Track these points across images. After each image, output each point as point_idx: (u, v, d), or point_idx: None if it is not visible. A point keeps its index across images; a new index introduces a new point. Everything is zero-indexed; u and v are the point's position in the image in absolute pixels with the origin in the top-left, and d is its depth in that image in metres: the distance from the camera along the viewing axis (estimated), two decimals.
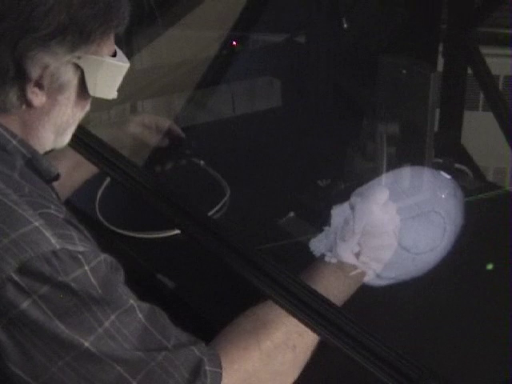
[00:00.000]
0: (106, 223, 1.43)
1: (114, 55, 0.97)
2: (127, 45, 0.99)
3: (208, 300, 1.23)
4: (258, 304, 1.02)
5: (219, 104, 2.12)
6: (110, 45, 0.96)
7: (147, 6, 0.94)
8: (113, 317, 0.85)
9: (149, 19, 0.95)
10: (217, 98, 2.12)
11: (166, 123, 1.49)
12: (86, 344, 0.83)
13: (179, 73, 2.15)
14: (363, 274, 1.09)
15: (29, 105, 0.92)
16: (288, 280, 0.97)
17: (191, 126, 2.01)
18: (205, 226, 1.05)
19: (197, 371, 0.88)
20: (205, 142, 1.79)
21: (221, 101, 2.12)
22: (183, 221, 1.08)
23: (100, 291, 0.84)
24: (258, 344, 0.96)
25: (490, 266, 1.27)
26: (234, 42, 2.10)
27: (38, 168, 0.96)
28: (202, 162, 1.64)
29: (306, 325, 0.95)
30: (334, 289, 1.06)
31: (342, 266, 1.08)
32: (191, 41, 2.18)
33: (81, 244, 0.85)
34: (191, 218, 1.06)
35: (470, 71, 1.84)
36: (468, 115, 1.98)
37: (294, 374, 1.00)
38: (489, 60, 1.80)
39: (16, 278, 0.81)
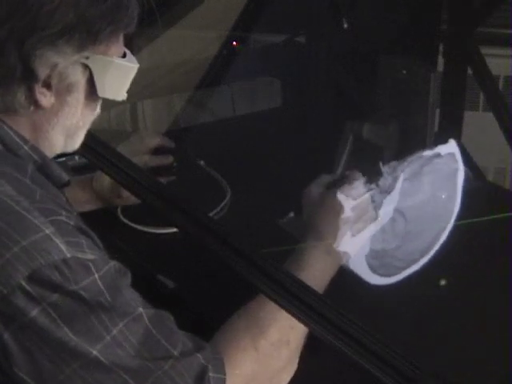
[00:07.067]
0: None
1: (124, 56, 0.97)
2: (127, 45, 0.99)
3: (208, 300, 1.23)
4: (249, 302, 1.02)
5: (219, 104, 2.12)
6: (119, 46, 0.96)
7: (147, 5, 0.94)
8: (121, 324, 0.84)
9: (149, 19, 0.95)
10: (217, 98, 2.11)
11: (156, 138, 1.55)
12: (94, 352, 0.83)
13: (179, 73, 2.15)
14: (347, 256, 1.12)
15: (37, 106, 0.91)
16: (290, 281, 0.97)
17: (191, 126, 2.01)
18: (206, 226, 1.05)
19: (201, 378, 0.88)
20: (205, 142, 1.80)
21: (221, 101, 2.12)
22: (184, 221, 1.08)
23: (109, 299, 0.84)
24: (254, 344, 0.96)
25: (443, 282, 1.26)
26: (234, 42, 2.10)
27: (49, 174, 0.95)
28: (202, 163, 1.64)
29: (307, 326, 0.95)
30: (321, 276, 1.08)
31: (328, 251, 1.10)
32: (191, 41, 2.18)
33: (90, 252, 0.85)
34: (192, 218, 1.06)
35: (470, 71, 1.84)
36: (468, 115, 1.97)
37: (290, 369, 1.01)
38: (489, 60, 1.80)
39: (26, 285, 0.81)
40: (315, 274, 1.08)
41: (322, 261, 1.10)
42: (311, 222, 1.15)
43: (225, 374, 0.91)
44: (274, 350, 0.98)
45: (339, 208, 1.13)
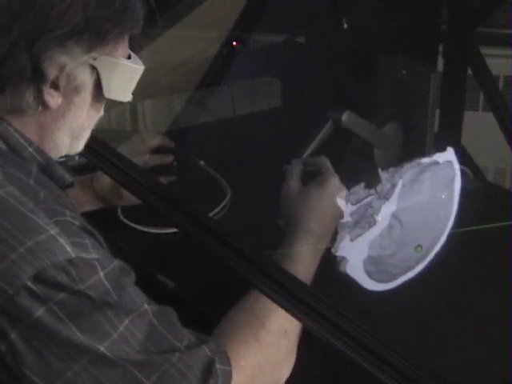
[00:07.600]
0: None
1: (129, 58, 0.98)
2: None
3: (208, 300, 1.23)
4: (244, 296, 1.03)
5: (219, 104, 2.12)
6: (125, 47, 0.97)
7: (147, 5, 0.95)
8: (127, 321, 0.85)
9: (149, 19, 0.95)
10: (217, 98, 2.12)
11: (157, 138, 1.55)
12: (102, 349, 0.83)
13: (179, 73, 2.15)
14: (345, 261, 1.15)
15: (45, 106, 0.92)
16: (290, 281, 0.97)
17: (191, 126, 2.01)
18: (206, 226, 1.05)
19: (209, 370, 0.89)
20: (205, 142, 1.80)
21: (221, 101, 2.12)
22: (184, 221, 1.08)
23: (115, 297, 0.85)
24: (256, 336, 0.97)
25: (419, 249, 1.24)
26: (234, 42, 2.10)
27: (52, 175, 0.96)
28: (202, 163, 1.64)
29: (308, 326, 0.95)
30: (312, 264, 1.11)
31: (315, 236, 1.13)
32: (191, 41, 2.18)
33: (94, 251, 0.86)
34: (192, 218, 1.07)
35: (470, 71, 1.84)
36: (468, 115, 1.98)
37: (290, 362, 1.01)
38: (489, 60, 1.80)
39: (31, 285, 0.81)
40: (306, 264, 1.10)
41: (313, 251, 1.12)
42: (302, 223, 1.15)
43: (230, 366, 0.91)
44: (275, 339, 0.99)
45: (333, 207, 1.15)
